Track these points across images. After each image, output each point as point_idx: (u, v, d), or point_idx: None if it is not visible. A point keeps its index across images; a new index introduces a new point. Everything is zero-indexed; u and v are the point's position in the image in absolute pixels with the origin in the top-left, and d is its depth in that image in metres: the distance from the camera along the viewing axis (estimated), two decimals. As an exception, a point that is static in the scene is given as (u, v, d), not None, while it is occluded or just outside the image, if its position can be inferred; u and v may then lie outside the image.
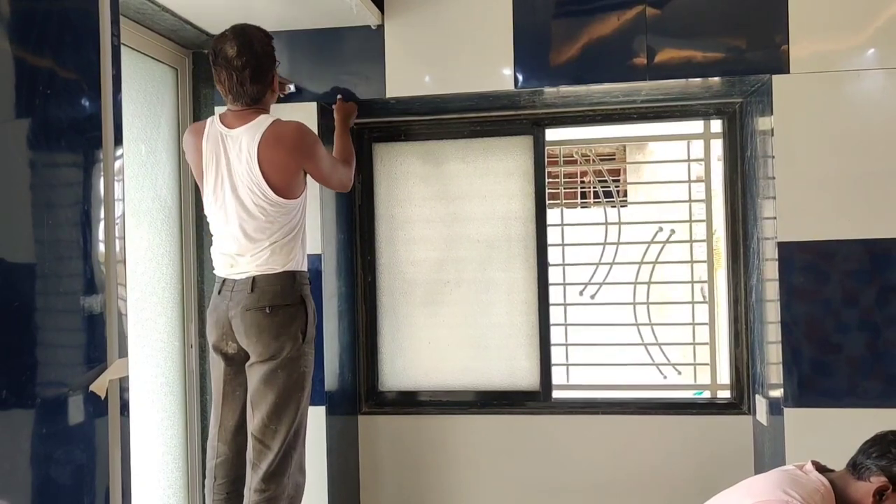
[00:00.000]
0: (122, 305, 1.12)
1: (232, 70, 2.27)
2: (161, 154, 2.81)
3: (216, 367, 2.41)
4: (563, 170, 3.41)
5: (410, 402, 3.31)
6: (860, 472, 1.87)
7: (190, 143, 2.38)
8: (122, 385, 1.11)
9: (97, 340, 1.06)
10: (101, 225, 1.07)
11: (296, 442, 2.30)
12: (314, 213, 2.83)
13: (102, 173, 1.09)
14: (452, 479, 3.22)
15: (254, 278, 2.27)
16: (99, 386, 1.01)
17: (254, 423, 2.27)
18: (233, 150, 2.28)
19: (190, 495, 2.85)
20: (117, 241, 1.07)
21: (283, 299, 2.26)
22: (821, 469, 1.95)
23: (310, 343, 2.35)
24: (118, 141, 1.12)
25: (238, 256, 2.31)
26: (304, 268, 2.41)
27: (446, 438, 3.24)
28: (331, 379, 2.93)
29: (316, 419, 2.83)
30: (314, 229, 2.84)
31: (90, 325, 1.05)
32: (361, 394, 3.32)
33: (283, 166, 2.27)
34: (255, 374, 2.28)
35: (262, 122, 2.29)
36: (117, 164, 1.11)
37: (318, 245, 2.86)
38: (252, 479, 2.25)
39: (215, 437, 2.38)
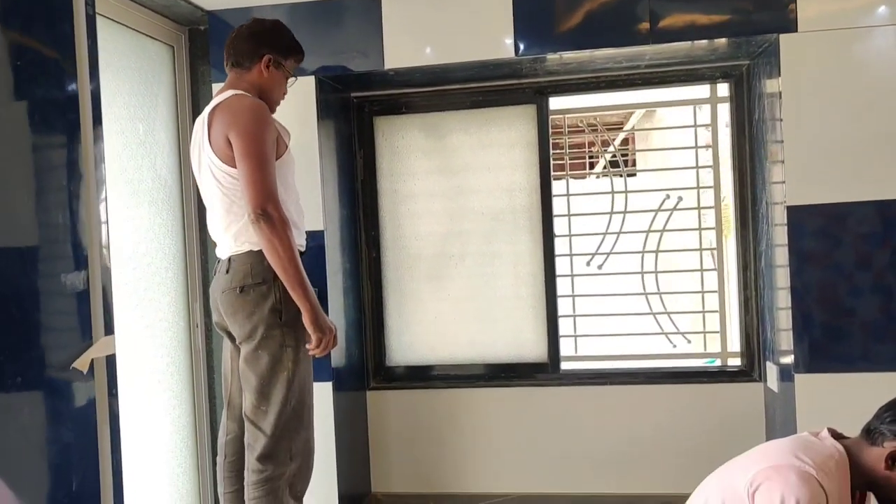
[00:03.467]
0: (106, 282, 1.10)
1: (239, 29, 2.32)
2: (160, 133, 2.78)
3: (224, 345, 2.40)
4: (568, 139, 3.35)
5: (418, 377, 3.30)
6: (874, 437, 1.84)
7: None
8: (110, 363, 1.09)
9: (82, 318, 1.04)
10: (83, 202, 1.05)
11: (294, 423, 2.22)
12: (313, 189, 2.80)
13: (82, 149, 1.06)
14: (461, 452, 3.22)
15: (230, 258, 2.23)
16: (82, 362, 0.99)
17: (245, 404, 2.24)
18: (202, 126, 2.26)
19: (200, 474, 2.87)
20: (101, 215, 1.05)
21: (254, 278, 2.18)
22: (836, 436, 1.92)
23: (291, 320, 2.19)
24: (97, 117, 1.09)
25: (218, 236, 2.28)
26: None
27: (455, 412, 3.23)
28: (337, 355, 2.92)
29: (323, 395, 2.83)
30: (315, 206, 2.81)
31: (74, 303, 1.03)
32: (369, 369, 3.31)
33: (221, 134, 2.16)
34: (240, 355, 2.25)
35: (223, 95, 2.24)
36: (97, 139, 1.09)
37: (320, 222, 2.84)
38: (248, 460, 2.23)
39: (225, 415, 2.38)
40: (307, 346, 2.20)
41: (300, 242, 2.33)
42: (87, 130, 1.02)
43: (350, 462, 3.03)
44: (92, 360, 1.00)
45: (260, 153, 2.12)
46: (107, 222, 1.11)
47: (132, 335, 2.54)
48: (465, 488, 3.21)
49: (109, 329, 1.10)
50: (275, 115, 2.34)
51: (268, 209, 2.09)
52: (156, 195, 2.73)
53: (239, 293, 2.21)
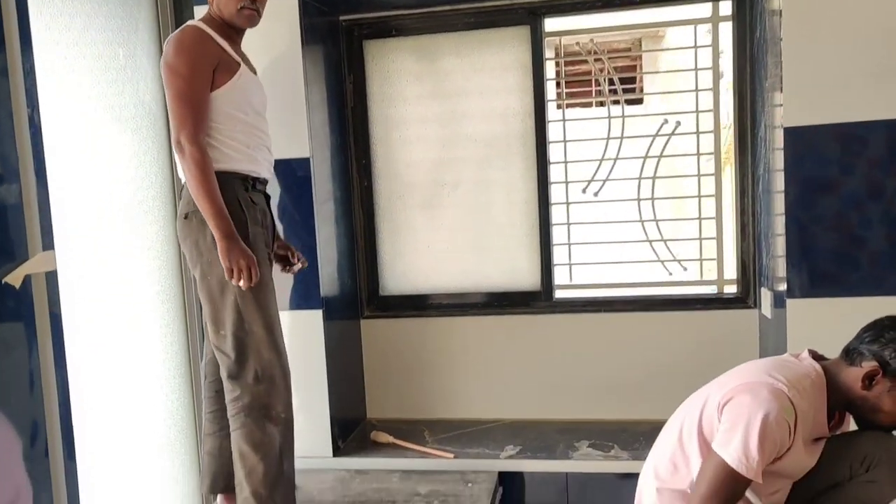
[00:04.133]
0: (43, 197, 1.07)
1: None
2: (141, 59, 2.72)
3: None
4: (571, 69, 3.25)
5: (412, 306, 3.30)
6: (852, 357, 1.82)
7: None
8: (51, 279, 1.07)
9: (16, 232, 1.02)
10: (14, 114, 1.01)
11: (255, 344, 2.24)
12: (298, 116, 2.75)
13: (7, 57, 1.02)
14: (455, 379, 3.24)
15: (184, 185, 2.26)
16: (14, 277, 0.97)
17: (208, 330, 2.30)
18: None
19: (195, 401, 2.90)
20: (29, 125, 1.01)
21: (195, 204, 2.20)
22: (817, 357, 1.90)
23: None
24: (24, 28, 1.04)
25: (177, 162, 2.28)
26: (236, 169, 2.27)
27: (449, 340, 3.24)
28: (328, 284, 2.91)
29: (313, 323, 2.84)
30: (300, 134, 2.76)
31: (6, 218, 1.00)
32: (363, 298, 3.31)
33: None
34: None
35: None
36: (25, 46, 1.04)
37: (307, 149, 2.79)
38: (224, 384, 2.28)
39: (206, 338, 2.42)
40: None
41: (254, 170, 2.33)
42: (13, 38, 0.98)
43: (344, 389, 3.06)
44: (30, 277, 0.98)
45: (175, 85, 2.19)
46: (38, 132, 1.07)
47: (119, 264, 2.54)
48: (458, 414, 3.24)
49: (48, 245, 1.08)
50: (250, 40, 2.29)
51: (181, 141, 2.17)
52: (140, 122, 2.69)
53: (185, 220, 2.25)
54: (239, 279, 2.17)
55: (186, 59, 2.20)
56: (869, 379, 1.78)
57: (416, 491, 2.61)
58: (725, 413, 1.79)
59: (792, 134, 2.50)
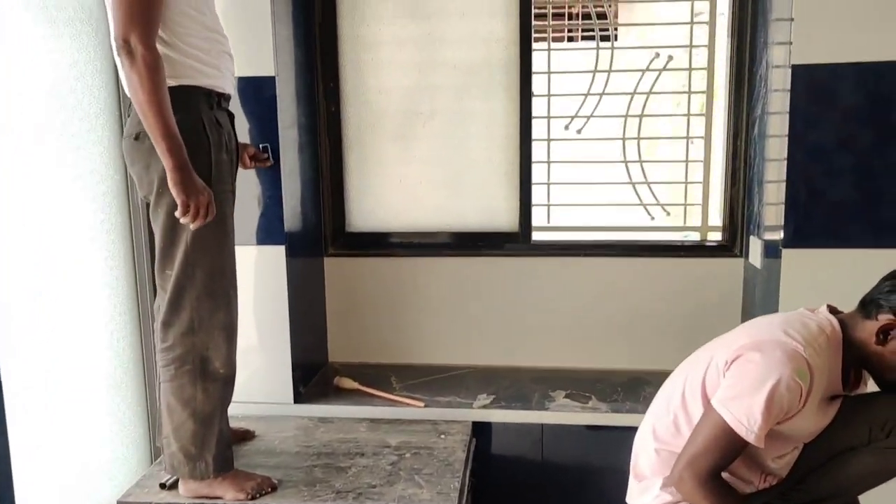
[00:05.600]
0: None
1: None
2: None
3: None
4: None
5: (380, 244, 3.09)
6: (868, 310, 1.70)
7: None
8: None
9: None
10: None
11: (198, 289, 1.98)
12: (262, 29, 2.46)
13: None
14: (424, 323, 3.07)
15: (131, 101, 1.90)
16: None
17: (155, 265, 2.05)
18: None
19: (143, 340, 2.67)
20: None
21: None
22: (834, 311, 1.77)
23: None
24: None
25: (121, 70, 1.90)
26: (196, 83, 1.96)
27: (419, 281, 3.05)
28: (291, 217, 2.67)
29: (275, 260, 2.61)
30: (265, 49, 2.48)
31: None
32: (327, 235, 3.08)
33: None
34: None
35: None
36: None
37: (271, 67, 2.51)
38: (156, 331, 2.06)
39: None
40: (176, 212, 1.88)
41: (218, 84, 2.03)
42: None
43: (305, 331, 2.85)
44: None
45: None
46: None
47: (60, 187, 2.25)
48: (426, 359, 3.08)
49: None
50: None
51: (130, 40, 1.77)
52: (80, 27, 2.36)
53: (135, 140, 1.93)
54: (194, 217, 1.87)
55: None
56: (884, 333, 1.66)
57: (386, 442, 2.45)
58: (732, 369, 1.66)
59: (800, 73, 2.32)
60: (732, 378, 1.65)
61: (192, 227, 1.90)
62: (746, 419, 1.58)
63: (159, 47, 1.85)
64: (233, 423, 2.47)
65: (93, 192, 2.42)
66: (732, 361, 1.66)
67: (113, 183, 2.52)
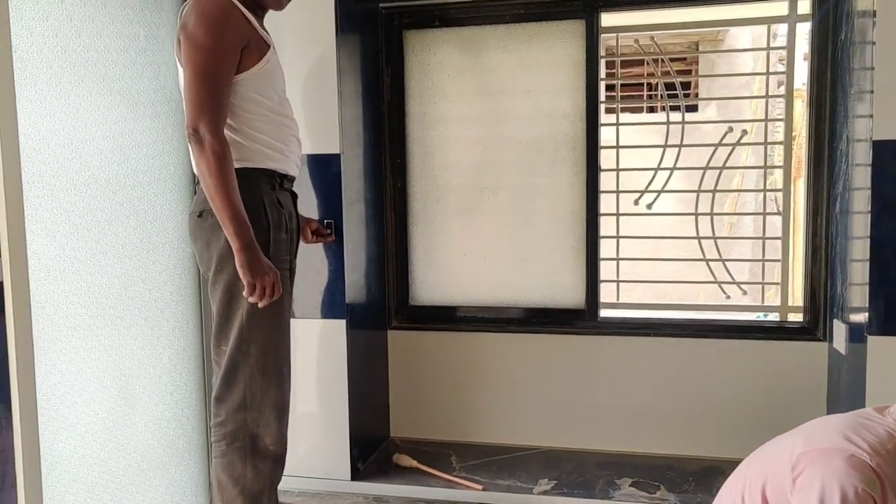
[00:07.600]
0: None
1: None
2: (164, 40, 2.52)
3: None
4: (624, 71, 2.98)
5: (444, 318, 3.06)
6: None
7: None
8: None
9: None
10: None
11: (251, 367, 1.99)
12: (329, 110, 2.54)
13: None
14: (487, 400, 2.99)
15: (197, 179, 1.98)
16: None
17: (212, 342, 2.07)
18: None
19: (207, 411, 2.70)
20: None
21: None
22: (905, 410, 1.60)
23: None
24: None
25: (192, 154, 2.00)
26: (260, 165, 2.02)
27: (482, 357, 2.99)
28: (353, 291, 2.69)
29: (336, 333, 2.62)
30: (331, 129, 2.55)
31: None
32: (391, 307, 3.08)
33: (178, 35, 1.95)
34: None
35: None
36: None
37: (336, 145, 2.57)
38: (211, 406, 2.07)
39: None
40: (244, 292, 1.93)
41: (282, 167, 2.08)
42: None
43: (366, 404, 2.83)
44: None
45: (196, 61, 1.87)
46: None
47: (132, 259, 2.35)
48: (488, 438, 2.99)
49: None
50: (280, 24, 2.05)
51: (199, 129, 1.86)
52: (159, 108, 2.49)
53: (198, 218, 2.00)
54: (260, 297, 1.91)
55: (213, 31, 1.88)
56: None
57: (440, 526, 2.37)
58: (796, 493, 1.51)
59: (881, 148, 2.21)
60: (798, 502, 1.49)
61: (260, 305, 1.93)
62: None
63: (227, 133, 1.93)
64: (289, 499, 2.45)
65: (164, 265, 2.51)
66: (796, 478, 1.51)
67: (183, 255, 2.61)
